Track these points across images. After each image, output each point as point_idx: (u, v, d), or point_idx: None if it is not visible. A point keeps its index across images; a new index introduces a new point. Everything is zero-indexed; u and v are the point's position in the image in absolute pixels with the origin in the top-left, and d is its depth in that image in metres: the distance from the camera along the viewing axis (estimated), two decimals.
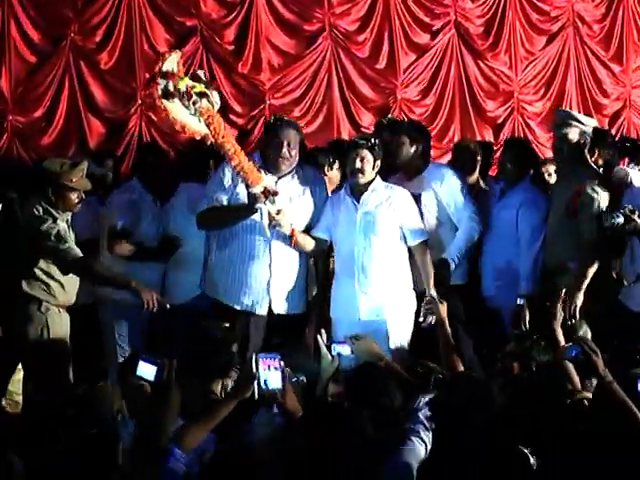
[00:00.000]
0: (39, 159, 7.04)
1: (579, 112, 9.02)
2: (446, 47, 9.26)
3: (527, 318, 6.15)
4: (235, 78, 8.57)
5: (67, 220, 5.90)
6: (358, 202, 6.04)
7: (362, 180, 6.01)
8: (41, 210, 5.79)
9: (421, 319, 5.99)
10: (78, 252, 5.73)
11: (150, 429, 3.74)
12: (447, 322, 5.35)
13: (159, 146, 7.55)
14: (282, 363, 3.99)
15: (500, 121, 9.42)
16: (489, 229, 6.36)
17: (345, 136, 8.58)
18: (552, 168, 7.11)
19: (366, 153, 5.96)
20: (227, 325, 5.40)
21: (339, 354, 4.92)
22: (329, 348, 4.98)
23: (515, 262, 6.25)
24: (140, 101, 8.18)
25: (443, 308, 5.44)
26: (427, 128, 6.98)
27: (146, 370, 3.92)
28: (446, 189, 6.29)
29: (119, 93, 8.25)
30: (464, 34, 9.32)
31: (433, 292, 6.01)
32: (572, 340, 4.56)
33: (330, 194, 6.29)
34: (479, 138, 8.93)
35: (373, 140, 6.04)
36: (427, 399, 4.34)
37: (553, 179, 6.95)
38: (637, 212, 5.58)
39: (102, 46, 8.23)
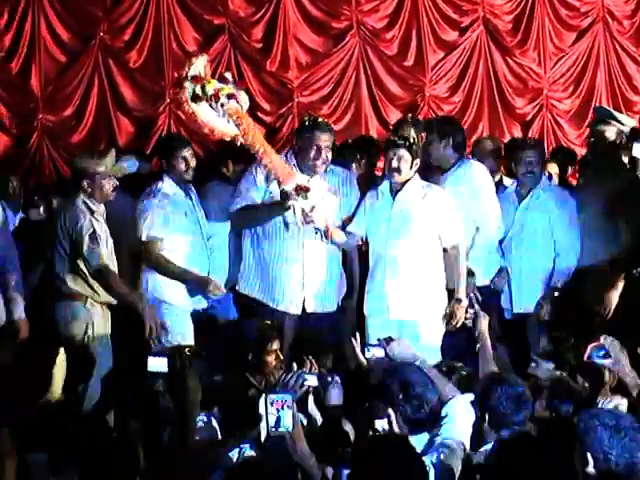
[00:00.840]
0: (69, 158, 7.19)
1: None
2: (474, 44, 9.30)
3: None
4: (263, 76, 8.66)
5: (103, 214, 6.05)
6: (394, 199, 6.11)
7: (399, 179, 6.06)
8: (80, 204, 5.94)
9: (446, 321, 6.08)
10: (104, 258, 5.85)
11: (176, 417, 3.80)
12: (488, 336, 5.31)
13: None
14: (294, 403, 4.04)
15: (529, 118, 9.45)
16: (518, 231, 6.39)
17: (373, 134, 8.64)
18: (554, 168, 7.17)
19: (404, 152, 6.01)
20: (268, 322, 5.50)
21: (373, 356, 4.97)
22: (363, 351, 5.03)
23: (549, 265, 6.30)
24: (169, 99, 8.28)
25: (485, 322, 5.36)
26: (457, 120, 7.03)
27: (157, 364, 4.00)
28: (473, 187, 6.35)
29: (148, 91, 8.37)
30: (493, 31, 9.36)
31: (462, 296, 6.08)
32: (599, 341, 4.60)
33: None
34: (507, 135, 8.96)
35: (411, 139, 6.11)
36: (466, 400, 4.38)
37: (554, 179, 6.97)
38: None
39: (131, 45, 8.36)
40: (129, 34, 8.37)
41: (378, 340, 5.12)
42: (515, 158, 6.45)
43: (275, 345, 5.20)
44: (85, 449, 3.94)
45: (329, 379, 4.69)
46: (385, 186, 6.18)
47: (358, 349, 5.12)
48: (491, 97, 9.33)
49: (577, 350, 5.08)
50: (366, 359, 4.98)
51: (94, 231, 5.83)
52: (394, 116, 8.97)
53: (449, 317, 6.08)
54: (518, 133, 9.19)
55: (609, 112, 6.43)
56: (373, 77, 8.99)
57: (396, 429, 4.11)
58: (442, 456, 3.93)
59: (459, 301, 6.06)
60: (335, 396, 4.60)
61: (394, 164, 6.01)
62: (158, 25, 8.39)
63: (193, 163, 6.26)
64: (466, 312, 5.83)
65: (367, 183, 6.50)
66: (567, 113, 9.56)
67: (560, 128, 9.44)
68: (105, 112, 8.25)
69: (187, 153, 6.26)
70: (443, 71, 9.22)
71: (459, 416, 4.22)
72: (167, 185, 6.23)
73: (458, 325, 6.06)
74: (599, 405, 4.40)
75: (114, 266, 6.05)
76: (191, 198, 6.30)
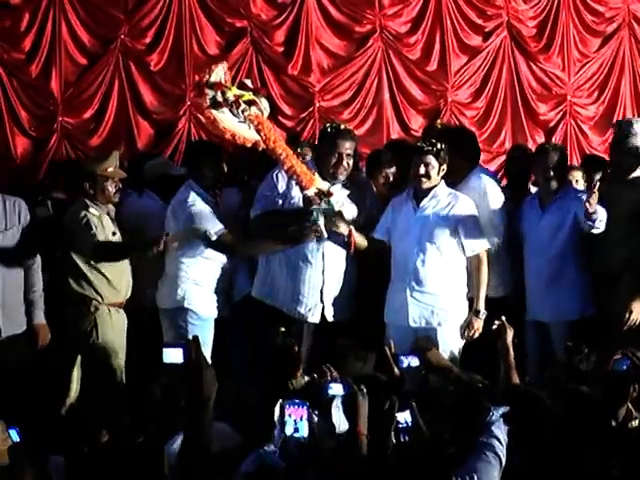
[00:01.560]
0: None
1: (633, 116, 9.16)
2: (498, 49, 9.30)
3: None
4: (284, 80, 8.68)
5: (109, 213, 6.11)
6: (418, 206, 6.13)
7: (426, 185, 6.10)
8: (80, 206, 6.03)
9: (465, 332, 6.10)
10: (96, 237, 5.93)
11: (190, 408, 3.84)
12: (511, 349, 5.32)
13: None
14: (310, 412, 4.08)
15: (552, 125, 9.44)
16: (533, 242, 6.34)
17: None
18: (579, 175, 7.16)
19: (431, 159, 6.05)
20: (284, 330, 5.54)
21: (409, 366, 4.97)
22: (396, 360, 5.03)
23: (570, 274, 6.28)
24: (189, 103, 8.32)
25: (510, 334, 5.35)
26: (465, 129, 7.03)
27: (173, 355, 4.04)
28: (481, 201, 6.33)
29: (168, 95, 8.39)
30: (516, 36, 9.36)
31: (481, 307, 6.09)
32: (622, 352, 4.59)
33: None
34: (530, 142, 8.97)
35: (439, 145, 6.13)
36: (500, 412, 4.39)
37: (580, 185, 6.95)
38: None
39: (152, 48, 8.38)
40: (150, 37, 8.39)
41: (413, 349, 5.14)
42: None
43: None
44: (99, 452, 3.99)
45: (357, 390, 4.71)
46: (410, 192, 6.21)
47: (391, 359, 5.12)
48: (514, 103, 9.33)
49: (596, 360, 5.12)
50: (400, 369, 4.99)
51: (87, 220, 5.92)
52: (416, 121, 9.01)
53: (465, 328, 6.10)
54: (541, 140, 9.15)
55: (631, 122, 6.42)
56: (395, 82, 8.99)
57: (420, 421, 4.19)
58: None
59: (477, 312, 6.08)
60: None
61: (422, 170, 6.05)
62: (179, 28, 8.41)
63: (222, 169, 6.33)
64: (492, 324, 5.84)
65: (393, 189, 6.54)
66: (591, 119, 9.54)
67: (584, 135, 9.44)
68: (125, 115, 8.27)
69: (222, 161, 6.33)
70: (466, 76, 9.22)
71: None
72: (197, 191, 6.28)
73: (475, 336, 6.09)
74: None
75: (123, 269, 6.11)
76: (217, 204, 6.35)
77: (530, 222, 6.35)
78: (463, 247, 6.14)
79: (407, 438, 4.20)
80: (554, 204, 6.27)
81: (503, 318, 5.57)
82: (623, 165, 6.31)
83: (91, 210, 6.03)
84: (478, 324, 6.09)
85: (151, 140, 8.28)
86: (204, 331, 6.22)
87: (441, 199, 6.12)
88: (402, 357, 5.05)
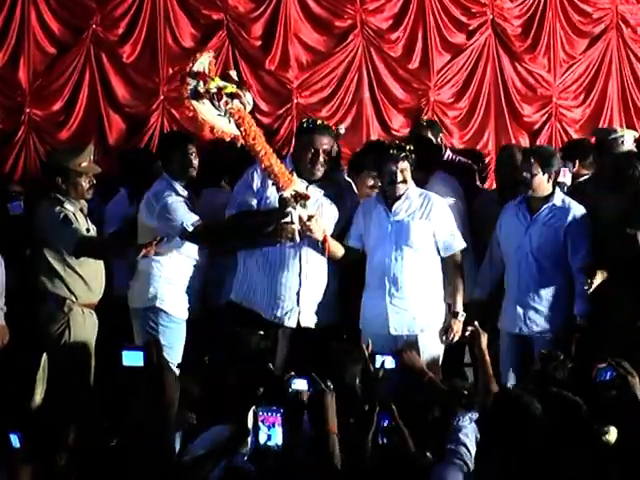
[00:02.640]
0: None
1: (620, 119, 9.17)
2: (482, 48, 9.29)
3: None
4: (262, 75, 8.64)
5: (82, 209, 6.02)
6: (390, 210, 6.08)
7: (402, 190, 6.06)
8: (51, 202, 5.94)
9: (444, 337, 6.07)
10: (79, 233, 5.84)
11: (153, 414, 3.79)
12: (487, 354, 5.32)
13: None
14: (283, 419, 4.06)
15: (537, 127, 9.45)
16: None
17: (374, 138, 8.61)
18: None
19: (406, 164, 6.03)
20: (262, 333, 5.48)
21: (382, 365, 4.92)
22: (372, 358, 4.99)
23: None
24: (163, 97, 8.26)
25: (484, 339, 5.38)
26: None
27: (132, 358, 3.99)
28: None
29: (141, 88, 8.34)
30: (501, 34, 9.35)
31: (459, 309, 6.06)
32: (607, 361, 4.56)
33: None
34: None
35: (409, 148, 6.11)
36: (468, 417, 4.40)
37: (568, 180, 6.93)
38: None
39: (125, 39, 8.32)
40: (123, 27, 8.33)
41: (391, 350, 5.10)
42: None
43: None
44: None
45: (322, 385, 4.70)
46: (378, 196, 6.18)
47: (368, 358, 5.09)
48: (498, 104, 9.32)
49: (572, 369, 5.10)
50: (374, 368, 4.94)
51: (65, 215, 5.84)
52: (396, 120, 8.99)
53: (445, 331, 6.07)
54: (525, 142, 9.16)
55: (608, 131, 6.47)
56: (376, 79, 8.97)
57: (400, 424, 4.24)
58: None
59: (456, 314, 6.06)
60: None
61: (399, 177, 6.01)
62: (154, 19, 8.35)
63: (196, 162, 6.23)
64: (465, 329, 5.83)
65: None
66: (577, 122, 9.55)
67: (569, 138, 9.38)
68: (95, 108, 8.21)
69: (192, 150, 6.24)
70: (449, 75, 9.20)
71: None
72: (171, 183, 6.20)
73: (455, 340, 6.06)
74: None
75: (97, 268, 6.03)
76: (191, 198, 6.26)
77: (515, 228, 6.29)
78: (438, 248, 6.10)
79: (386, 440, 4.25)
80: (543, 214, 6.22)
81: (476, 323, 5.58)
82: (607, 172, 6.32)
83: (66, 206, 5.92)
84: (457, 327, 6.08)
85: (123, 134, 8.23)
86: (175, 333, 6.17)
87: (413, 201, 6.10)
88: (378, 355, 5.01)
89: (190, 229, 6.02)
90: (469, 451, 4.21)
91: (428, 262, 6.11)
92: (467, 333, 5.74)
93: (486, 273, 6.35)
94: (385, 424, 4.30)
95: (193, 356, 5.88)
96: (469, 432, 4.35)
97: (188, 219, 6.04)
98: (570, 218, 6.15)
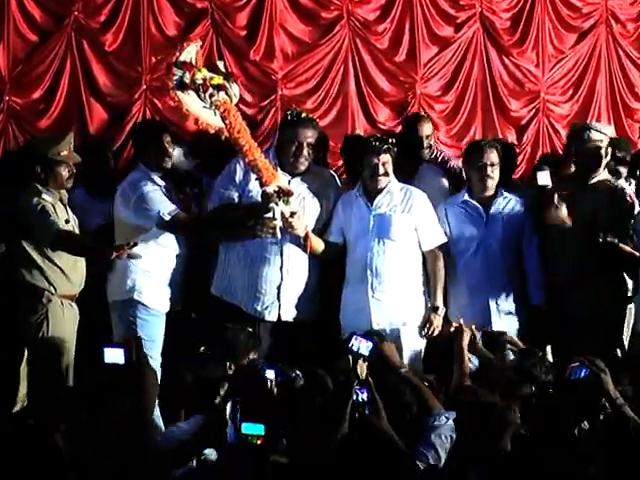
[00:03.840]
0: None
1: (608, 116, 9.22)
2: (470, 41, 9.34)
3: None
4: (246, 65, 8.65)
5: (61, 199, 6.02)
6: (371, 204, 6.13)
7: (384, 183, 6.11)
8: (30, 192, 5.94)
9: (424, 331, 6.12)
10: (57, 225, 5.84)
11: (132, 410, 3.84)
12: (466, 354, 5.46)
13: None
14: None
15: (524, 122, 9.50)
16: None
17: (360, 131, 8.65)
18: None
19: (388, 157, 6.09)
20: (250, 330, 5.53)
21: (358, 350, 4.91)
22: (349, 340, 4.95)
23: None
24: (145, 86, 8.26)
25: (466, 338, 5.54)
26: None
27: (113, 355, 4.02)
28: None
29: (123, 77, 8.34)
30: (489, 28, 9.40)
31: (439, 303, 6.11)
32: (580, 360, 4.63)
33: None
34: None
35: (391, 140, 6.17)
36: (445, 417, 4.46)
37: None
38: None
39: (107, 26, 8.32)
40: (105, 15, 8.32)
41: (369, 335, 5.10)
42: None
43: (253, 355, 5.26)
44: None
45: (292, 375, 4.78)
46: (359, 189, 6.22)
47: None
48: (485, 98, 9.37)
49: (546, 367, 5.21)
50: (348, 349, 4.91)
51: (43, 206, 5.84)
52: (382, 113, 9.03)
53: (424, 325, 6.12)
54: (512, 137, 9.23)
55: (588, 126, 6.55)
56: (362, 71, 9.00)
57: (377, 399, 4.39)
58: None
59: (436, 309, 6.13)
60: None
61: (381, 170, 6.06)
62: (137, 6, 8.35)
63: (172, 151, 6.25)
64: (450, 325, 5.88)
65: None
66: (564, 118, 9.59)
67: (556, 133, 9.48)
68: (77, 96, 8.21)
69: (167, 140, 6.25)
70: (436, 68, 9.24)
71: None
72: (147, 172, 6.22)
73: (434, 334, 6.13)
74: None
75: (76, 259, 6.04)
76: (169, 190, 6.27)
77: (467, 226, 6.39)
78: (420, 242, 6.17)
79: (367, 411, 4.38)
80: (498, 207, 6.34)
81: (461, 321, 5.73)
82: (584, 167, 6.45)
83: (44, 197, 5.92)
84: (437, 321, 6.16)
85: (104, 124, 8.23)
86: (155, 327, 6.20)
87: (395, 194, 6.17)
88: (356, 337, 4.93)
89: (167, 218, 6.04)
90: (437, 453, 4.31)
91: (410, 256, 6.21)
92: (452, 329, 5.80)
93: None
94: (362, 398, 4.40)
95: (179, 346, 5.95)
96: (443, 432, 4.42)
97: (165, 208, 6.05)
98: (521, 207, 6.33)
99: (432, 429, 4.46)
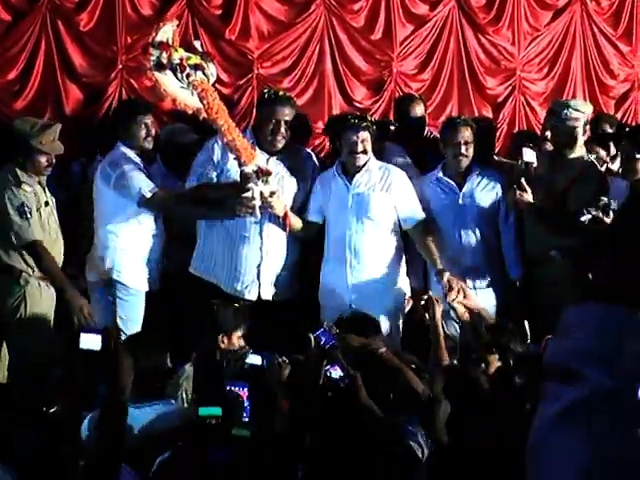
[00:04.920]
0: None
1: (584, 93, 9.29)
2: (446, 19, 9.38)
3: None
4: (222, 45, 8.65)
5: (40, 182, 6.04)
6: (350, 183, 6.18)
7: (362, 161, 6.16)
8: (8, 175, 5.95)
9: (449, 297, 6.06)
10: (34, 234, 5.86)
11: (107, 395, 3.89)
12: (441, 326, 5.55)
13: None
14: (251, 394, 4.21)
15: (500, 100, 9.57)
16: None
17: (336, 110, 8.69)
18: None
19: (367, 135, 6.12)
20: (237, 305, 5.60)
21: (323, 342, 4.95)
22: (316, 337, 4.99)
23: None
24: (121, 66, 8.27)
25: (439, 310, 5.62)
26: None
27: (90, 340, 4.07)
28: None
29: (99, 57, 8.33)
30: (465, 6, 9.45)
31: (441, 265, 6.13)
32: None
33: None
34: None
35: (370, 118, 6.23)
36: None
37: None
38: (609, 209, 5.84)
39: (82, 6, 8.30)
40: None
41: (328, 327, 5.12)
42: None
43: (242, 331, 5.32)
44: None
45: (277, 360, 4.83)
46: (337, 168, 6.27)
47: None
48: (461, 76, 9.43)
49: (519, 340, 5.27)
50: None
51: (22, 203, 5.85)
52: (359, 92, 9.06)
53: (447, 290, 6.04)
54: (489, 115, 9.29)
55: (567, 103, 6.62)
56: (338, 50, 9.03)
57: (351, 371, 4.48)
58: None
59: (442, 272, 6.08)
60: None
61: (359, 147, 6.10)
62: None
63: (153, 132, 6.29)
64: (421, 299, 5.93)
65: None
66: (540, 95, 9.68)
67: (532, 111, 9.57)
68: (52, 77, 8.20)
69: (149, 120, 6.28)
70: (412, 46, 9.29)
71: None
72: (127, 151, 6.26)
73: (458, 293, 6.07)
74: None
75: (56, 238, 6.06)
76: (147, 170, 6.31)
77: (442, 203, 6.48)
78: (400, 220, 6.22)
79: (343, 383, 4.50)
80: (472, 183, 6.42)
81: (430, 293, 5.79)
82: (560, 144, 6.52)
83: (24, 186, 5.94)
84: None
85: (80, 104, 8.22)
86: (134, 307, 6.27)
87: (373, 173, 6.21)
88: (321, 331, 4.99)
89: (148, 195, 6.10)
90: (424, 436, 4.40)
91: (388, 235, 6.26)
92: (422, 302, 5.88)
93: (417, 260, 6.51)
94: (335, 375, 4.51)
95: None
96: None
97: (145, 186, 6.13)
98: (496, 183, 6.39)
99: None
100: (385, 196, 6.23)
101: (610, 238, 1.96)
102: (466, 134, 6.40)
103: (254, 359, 4.76)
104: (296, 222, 6.23)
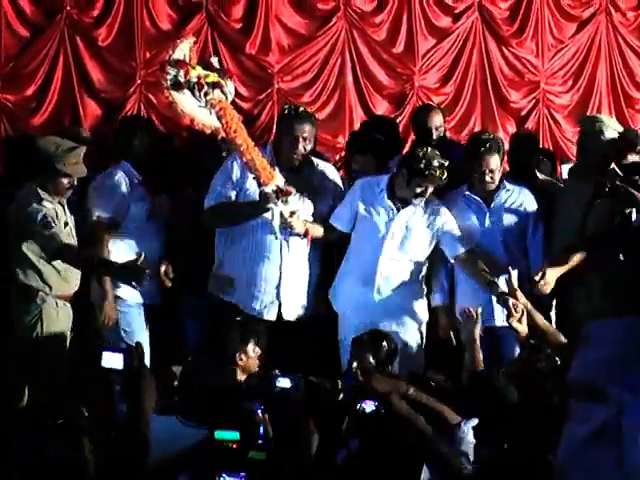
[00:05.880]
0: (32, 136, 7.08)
1: (609, 105, 9.22)
2: (469, 32, 9.31)
3: None
4: (242, 59, 8.63)
5: (60, 201, 6.02)
6: (398, 209, 6.11)
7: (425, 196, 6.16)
8: (30, 193, 5.92)
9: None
10: (61, 239, 5.84)
11: (129, 417, 3.84)
12: (478, 344, 5.52)
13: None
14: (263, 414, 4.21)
15: (524, 113, 9.48)
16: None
17: (357, 125, 8.62)
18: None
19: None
20: (239, 319, 5.58)
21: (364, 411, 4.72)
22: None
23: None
24: (139, 81, 8.24)
25: (477, 327, 5.62)
26: None
27: (112, 359, 4.03)
28: None
29: (117, 72, 8.31)
30: (488, 18, 9.37)
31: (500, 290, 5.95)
32: None
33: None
34: (501, 131, 8.99)
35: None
36: (465, 429, 4.46)
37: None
38: None
39: (100, 21, 8.29)
40: (99, 9, 8.29)
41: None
42: None
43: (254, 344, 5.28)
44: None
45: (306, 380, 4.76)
46: (384, 184, 6.18)
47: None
48: (484, 89, 9.35)
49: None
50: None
51: (45, 215, 5.82)
52: (381, 107, 9.00)
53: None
54: (512, 128, 9.22)
55: (597, 119, 6.58)
56: (359, 64, 8.98)
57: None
58: None
59: (504, 295, 5.88)
60: None
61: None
62: (130, 0, 8.30)
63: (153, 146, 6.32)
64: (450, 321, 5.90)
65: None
66: (565, 108, 9.60)
67: (557, 124, 9.49)
68: (70, 93, 8.18)
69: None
70: (434, 60, 9.22)
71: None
72: (125, 169, 6.29)
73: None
74: None
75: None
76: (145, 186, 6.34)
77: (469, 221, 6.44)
78: (443, 251, 6.16)
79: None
80: (500, 199, 6.37)
81: (471, 309, 5.75)
82: (591, 163, 6.46)
83: (44, 203, 5.91)
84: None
85: (98, 120, 8.19)
86: (134, 318, 6.33)
87: (420, 208, 6.18)
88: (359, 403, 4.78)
89: (91, 218, 6.31)
90: (469, 460, 4.33)
91: (420, 265, 6.25)
92: (461, 317, 5.91)
93: (441, 275, 6.42)
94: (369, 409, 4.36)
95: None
96: (468, 440, 4.41)
97: (99, 210, 6.32)
98: (526, 199, 6.33)
99: (460, 441, 4.46)
100: (427, 231, 6.18)
101: (631, 251, 1.92)
102: (491, 162, 6.29)
103: (284, 382, 4.68)
104: (317, 232, 6.17)
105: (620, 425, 1.76)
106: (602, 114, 7.55)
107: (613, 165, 6.36)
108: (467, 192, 6.41)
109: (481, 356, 5.48)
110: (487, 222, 6.38)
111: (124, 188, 6.32)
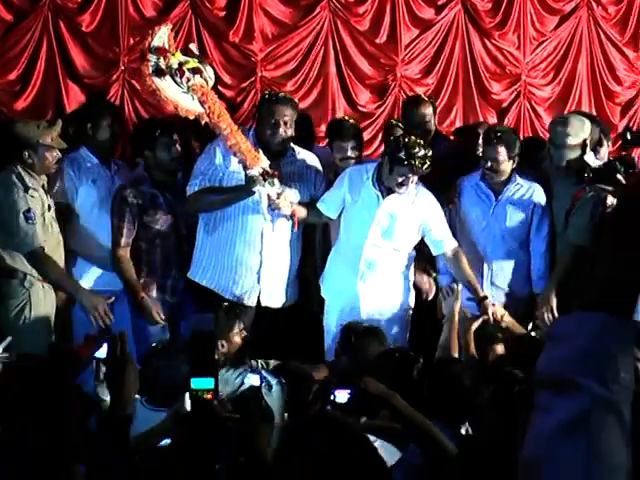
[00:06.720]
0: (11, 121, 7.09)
1: (589, 99, 9.26)
2: (451, 23, 9.35)
3: None
4: (225, 47, 8.65)
5: (43, 185, 6.04)
6: (383, 197, 6.13)
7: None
8: (14, 178, 5.93)
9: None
10: (39, 240, 5.85)
11: (113, 405, 3.86)
12: (456, 321, 5.56)
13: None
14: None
15: (505, 105, 9.54)
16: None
17: (339, 114, 8.66)
18: None
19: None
20: (226, 304, 5.58)
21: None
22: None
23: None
24: (123, 68, 8.26)
25: (458, 304, 5.68)
26: None
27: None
28: None
29: (100, 58, 8.33)
30: (471, 10, 9.41)
31: (483, 293, 6.13)
32: None
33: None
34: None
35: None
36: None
37: None
38: None
39: (84, 7, 8.29)
40: None
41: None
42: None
43: (238, 328, 5.28)
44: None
45: (272, 380, 4.75)
46: (372, 172, 6.20)
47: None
48: (466, 81, 9.40)
49: None
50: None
51: (28, 209, 5.83)
52: (363, 96, 9.03)
53: (483, 313, 5.98)
54: (493, 120, 9.26)
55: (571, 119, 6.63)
56: (342, 53, 9.01)
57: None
58: None
59: (484, 298, 6.06)
60: None
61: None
62: None
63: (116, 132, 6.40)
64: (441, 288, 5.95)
65: None
66: (546, 101, 9.65)
67: (537, 117, 9.54)
68: (53, 78, 8.20)
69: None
70: (417, 50, 9.26)
71: None
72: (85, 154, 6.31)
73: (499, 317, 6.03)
74: None
75: (58, 242, 6.05)
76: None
77: (475, 209, 6.46)
78: (433, 246, 6.21)
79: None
80: (507, 193, 6.40)
81: (454, 285, 5.87)
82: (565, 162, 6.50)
83: (31, 193, 5.92)
84: (492, 307, 6.02)
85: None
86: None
87: (407, 193, 6.18)
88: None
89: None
90: None
91: (406, 254, 6.25)
92: (444, 291, 5.95)
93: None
94: (341, 399, 4.34)
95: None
96: None
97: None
98: (535, 196, 6.36)
99: None
100: (413, 220, 6.20)
101: (602, 246, 1.95)
102: (492, 151, 6.39)
103: (253, 379, 4.67)
104: (302, 213, 6.21)
105: (590, 417, 1.79)
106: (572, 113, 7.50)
107: (589, 152, 6.40)
108: (479, 180, 6.49)
109: (456, 334, 5.50)
110: (490, 213, 6.44)
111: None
